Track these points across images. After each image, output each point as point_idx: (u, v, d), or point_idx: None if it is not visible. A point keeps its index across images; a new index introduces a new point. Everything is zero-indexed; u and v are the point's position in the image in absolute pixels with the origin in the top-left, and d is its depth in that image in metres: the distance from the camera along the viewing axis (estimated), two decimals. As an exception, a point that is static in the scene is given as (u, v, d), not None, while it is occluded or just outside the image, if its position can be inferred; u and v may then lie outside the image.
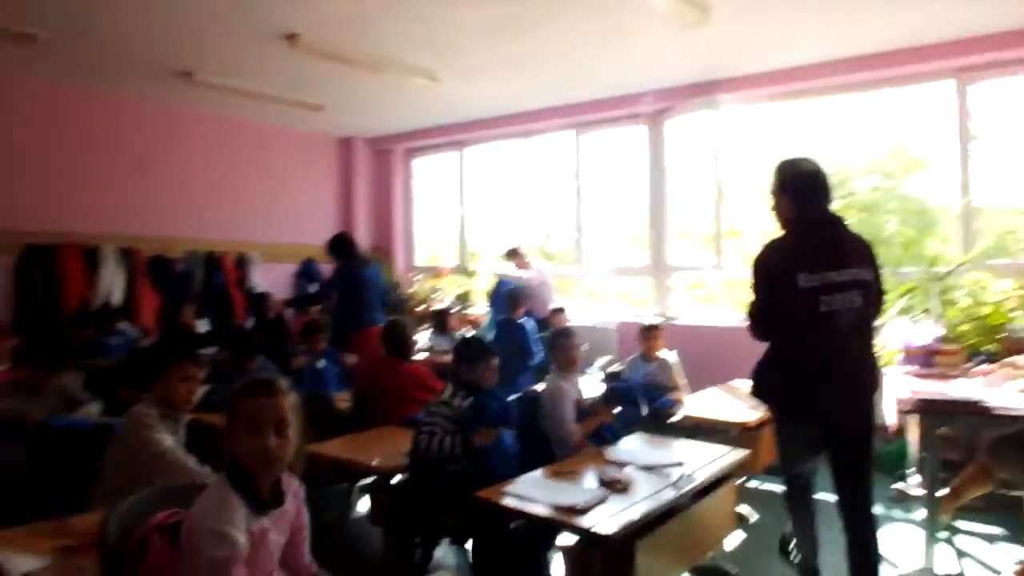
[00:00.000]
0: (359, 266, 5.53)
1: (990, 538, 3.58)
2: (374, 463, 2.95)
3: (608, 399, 3.31)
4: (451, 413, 2.91)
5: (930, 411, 2.93)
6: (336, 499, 3.85)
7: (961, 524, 3.70)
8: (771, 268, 2.60)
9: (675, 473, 2.73)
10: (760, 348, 2.74)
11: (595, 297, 7.58)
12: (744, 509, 3.91)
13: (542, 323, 5.93)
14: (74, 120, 6.08)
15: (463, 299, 7.62)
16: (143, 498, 1.80)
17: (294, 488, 1.76)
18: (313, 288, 7.27)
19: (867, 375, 2.65)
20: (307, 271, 7.66)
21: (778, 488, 4.23)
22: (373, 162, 8.50)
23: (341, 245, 5.62)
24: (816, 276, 2.52)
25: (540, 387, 3.62)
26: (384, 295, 5.61)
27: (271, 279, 7.38)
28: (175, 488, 1.86)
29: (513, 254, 6.65)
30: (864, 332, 2.63)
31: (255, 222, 7.36)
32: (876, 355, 2.71)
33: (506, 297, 5.98)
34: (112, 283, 6.02)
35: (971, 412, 2.88)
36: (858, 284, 2.56)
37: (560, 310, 6.11)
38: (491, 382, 3.06)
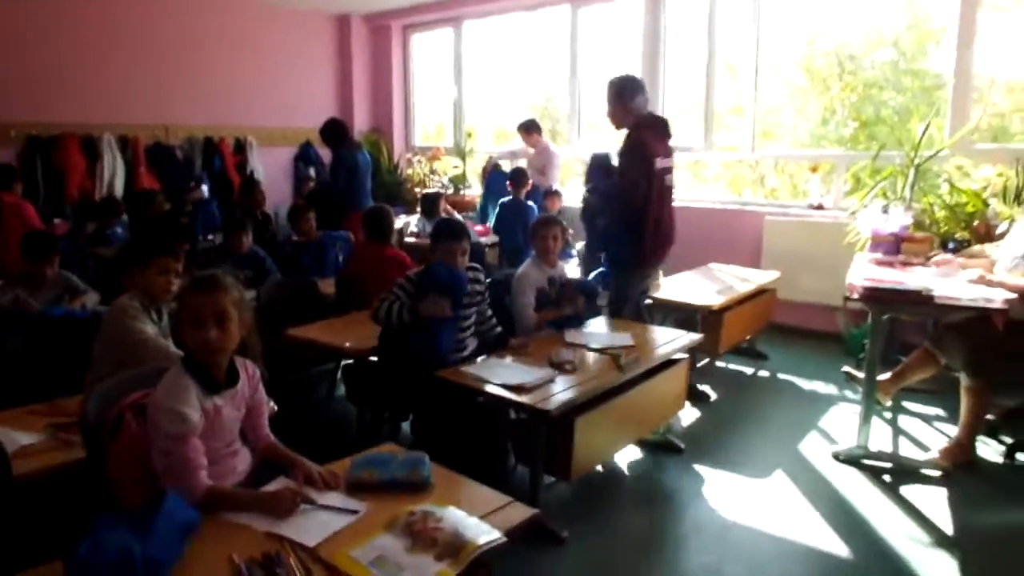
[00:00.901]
0: (355, 152, 5.60)
1: (930, 419, 3.82)
2: (347, 345, 3.18)
3: (568, 291, 3.43)
4: (410, 287, 2.96)
5: (872, 299, 3.06)
6: (321, 380, 4.15)
7: (908, 406, 3.95)
8: (645, 153, 3.62)
9: (623, 355, 2.94)
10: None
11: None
12: (705, 388, 4.17)
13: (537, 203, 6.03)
14: (69, 8, 6.05)
15: (458, 180, 7.67)
16: (119, 381, 2.02)
17: (249, 370, 1.95)
18: (311, 171, 7.39)
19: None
20: (305, 155, 7.73)
21: (742, 369, 4.55)
22: (370, 40, 8.32)
23: (334, 131, 5.67)
24: (663, 160, 3.69)
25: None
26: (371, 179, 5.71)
27: (270, 163, 7.50)
28: (147, 371, 2.05)
29: (529, 128, 6.59)
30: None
31: (252, 106, 7.37)
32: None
33: (511, 176, 6.06)
34: (113, 172, 6.19)
35: (913, 301, 3.00)
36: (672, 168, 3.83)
37: (555, 193, 6.18)
38: (459, 265, 3.02)
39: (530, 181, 6.07)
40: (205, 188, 6.45)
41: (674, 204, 3.93)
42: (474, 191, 7.45)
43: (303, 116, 7.73)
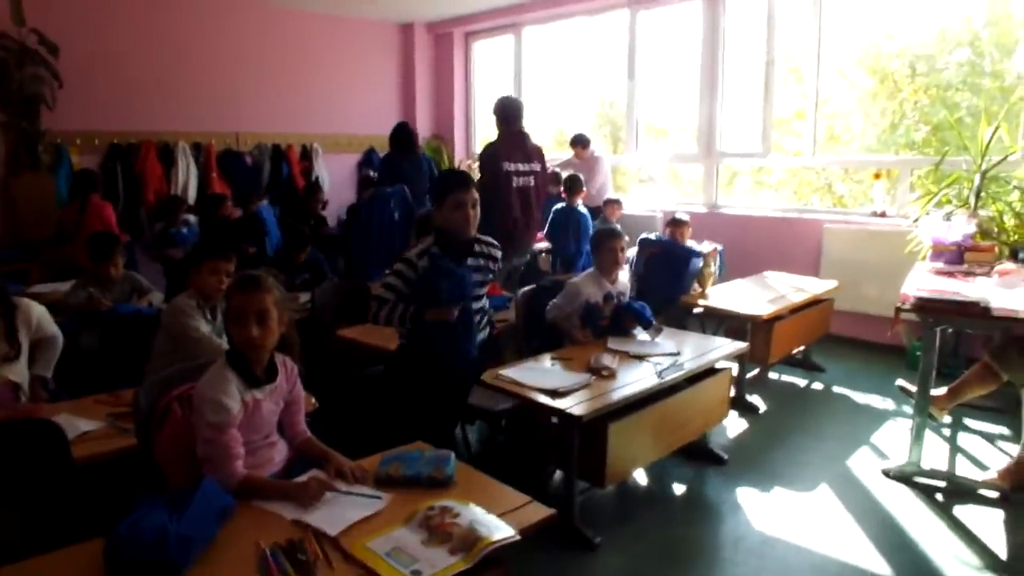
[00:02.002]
0: (397, 159, 5.77)
1: (992, 437, 3.66)
2: (391, 348, 3.26)
3: (623, 317, 3.41)
4: (411, 274, 2.67)
5: (924, 309, 2.97)
6: (370, 379, 4.27)
7: (970, 423, 3.79)
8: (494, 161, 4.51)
9: (664, 362, 2.95)
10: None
11: (649, 184, 7.58)
12: (755, 400, 4.11)
13: (595, 212, 6.05)
14: (149, 25, 6.46)
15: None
16: (169, 374, 2.16)
17: (288, 367, 2.05)
18: (373, 176, 7.60)
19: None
20: (369, 160, 7.96)
21: (796, 381, 4.45)
22: (433, 48, 8.51)
23: (394, 135, 5.85)
24: (512, 164, 4.52)
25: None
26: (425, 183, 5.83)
27: (335, 169, 7.75)
28: (195, 365, 2.18)
29: (574, 143, 6.71)
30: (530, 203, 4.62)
31: (318, 114, 7.63)
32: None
33: (565, 183, 6.11)
34: (187, 177, 6.55)
35: (967, 313, 2.89)
36: (532, 172, 4.60)
37: (615, 202, 6.18)
38: (464, 229, 2.69)
39: (584, 189, 6.08)
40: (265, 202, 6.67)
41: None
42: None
43: (367, 123, 7.97)
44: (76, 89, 5.95)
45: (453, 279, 2.65)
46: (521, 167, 4.65)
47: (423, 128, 8.34)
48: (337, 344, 3.45)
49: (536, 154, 4.73)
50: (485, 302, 2.93)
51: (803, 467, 3.34)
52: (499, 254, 2.91)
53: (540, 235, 6.24)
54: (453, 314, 2.67)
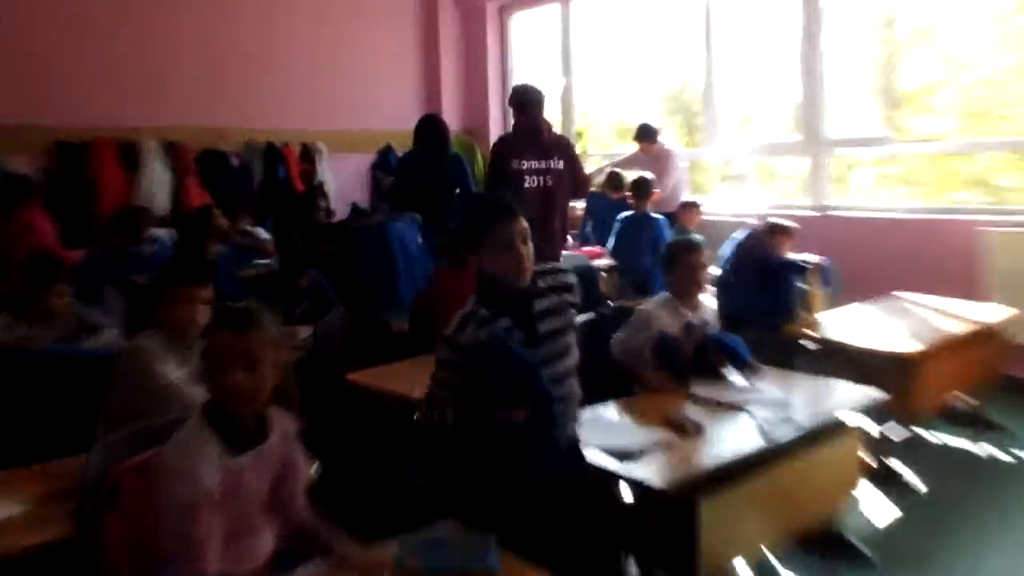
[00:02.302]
0: (414, 159, 5.77)
1: None
2: (415, 395, 3.16)
3: (710, 355, 3.28)
4: (458, 357, 2.32)
5: None
6: (387, 436, 4.19)
7: None
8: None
9: (770, 416, 2.77)
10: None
11: (736, 182, 7.46)
12: (901, 468, 3.85)
13: (668, 219, 5.98)
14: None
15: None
16: (126, 436, 2.08)
17: (283, 425, 1.95)
18: (391, 182, 7.59)
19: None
20: (384, 162, 8.00)
21: (962, 443, 4.19)
22: (461, 25, 8.57)
23: (420, 130, 5.85)
24: (524, 162, 4.80)
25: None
26: (454, 191, 5.78)
27: (345, 172, 7.80)
28: (162, 424, 2.10)
29: (641, 136, 6.72)
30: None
31: (323, 105, 7.69)
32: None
33: (632, 186, 6.05)
34: (155, 184, 6.56)
35: None
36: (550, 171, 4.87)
37: (692, 205, 6.09)
38: (518, 276, 2.36)
39: (656, 191, 5.98)
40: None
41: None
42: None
43: (382, 117, 7.99)
44: (7, 73, 5.95)
45: (510, 364, 2.27)
46: (535, 164, 4.85)
47: (450, 121, 8.25)
48: (346, 391, 3.42)
49: (556, 148, 4.92)
50: (570, 366, 2.51)
51: (985, 569, 3.09)
52: (572, 279, 2.56)
53: (600, 250, 6.17)
54: (518, 416, 2.26)
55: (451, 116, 8.33)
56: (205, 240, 5.26)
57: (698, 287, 3.38)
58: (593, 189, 6.54)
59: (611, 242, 6.00)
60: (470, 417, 2.30)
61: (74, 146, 6.36)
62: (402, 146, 6.77)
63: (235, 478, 1.80)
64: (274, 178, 7.30)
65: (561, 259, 5.35)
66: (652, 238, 5.61)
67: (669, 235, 5.57)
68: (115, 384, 2.68)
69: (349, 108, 7.87)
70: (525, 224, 2.42)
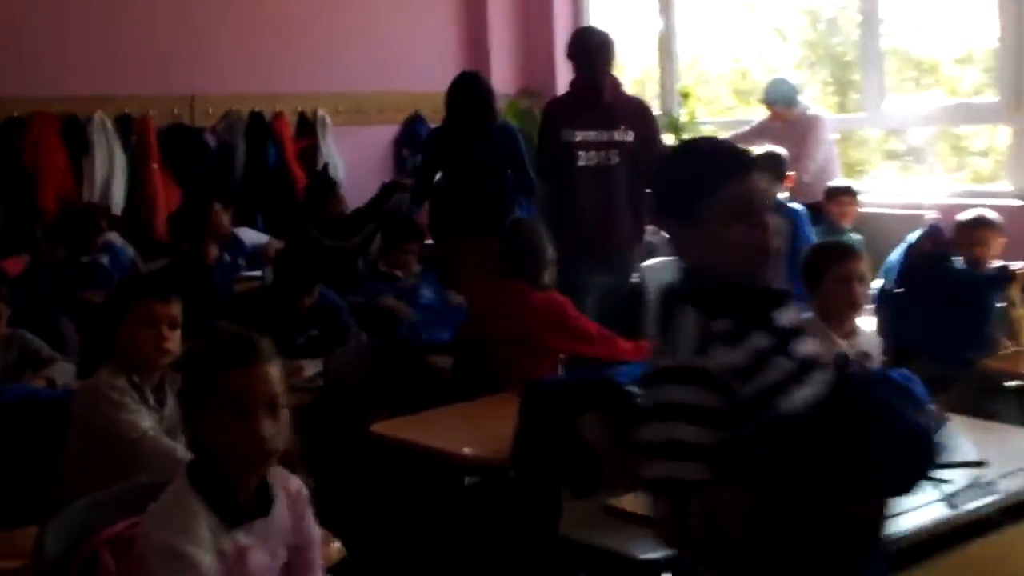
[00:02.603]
0: (446, 133, 5.92)
1: None
2: (466, 451, 3.29)
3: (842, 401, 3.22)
4: (724, 402, 1.93)
5: None
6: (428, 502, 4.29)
7: None
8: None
9: (959, 480, 2.82)
10: None
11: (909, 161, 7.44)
12: None
13: (812, 211, 6.05)
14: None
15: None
16: (92, 503, 2.20)
17: (292, 490, 2.07)
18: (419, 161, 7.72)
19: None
20: (412, 135, 8.13)
21: None
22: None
23: (453, 95, 6.01)
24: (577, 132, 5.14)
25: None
26: (514, 179, 5.93)
27: (357, 150, 7.93)
28: (137, 487, 2.23)
29: (775, 99, 6.76)
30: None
31: (326, 61, 7.82)
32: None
33: (765, 160, 6.07)
34: (109, 171, 6.77)
35: None
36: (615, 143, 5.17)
37: (845, 192, 6.13)
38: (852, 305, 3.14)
39: (790, 172, 6.00)
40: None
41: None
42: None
43: (408, 75, 8.09)
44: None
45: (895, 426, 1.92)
46: (592, 136, 5.14)
47: (502, 79, 8.36)
48: (368, 445, 3.53)
49: (624, 113, 5.20)
50: None
51: None
52: None
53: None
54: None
55: (503, 72, 8.45)
56: (202, 242, 5.46)
57: (853, 306, 3.41)
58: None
59: None
60: (779, 512, 1.87)
61: (2, 124, 6.60)
62: (435, 116, 6.95)
63: (239, 560, 1.91)
64: (262, 160, 7.47)
65: (634, 268, 5.54)
66: (787, 238, 5.60)
67: (812, 234, 5.62)
68: (72, 435, 2.81)
69: (363, 63, 7.98)
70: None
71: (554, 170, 5.25)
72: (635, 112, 5.11)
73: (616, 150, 5.04)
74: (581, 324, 4.13)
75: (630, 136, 5.03)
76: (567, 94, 5.32)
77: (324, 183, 6.62)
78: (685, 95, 7.84)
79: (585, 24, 8.50)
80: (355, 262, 6.06)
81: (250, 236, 6.64)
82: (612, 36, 5.35)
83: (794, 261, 5.42)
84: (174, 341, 2.88)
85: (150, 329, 2.88)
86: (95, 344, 3.76)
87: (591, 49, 5.13)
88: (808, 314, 3.42)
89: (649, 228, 6.63)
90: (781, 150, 6.01)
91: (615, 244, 5.19)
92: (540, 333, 4.04)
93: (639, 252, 5.58)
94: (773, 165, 5.93)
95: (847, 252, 3.47)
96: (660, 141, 5.49)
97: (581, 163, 5.04)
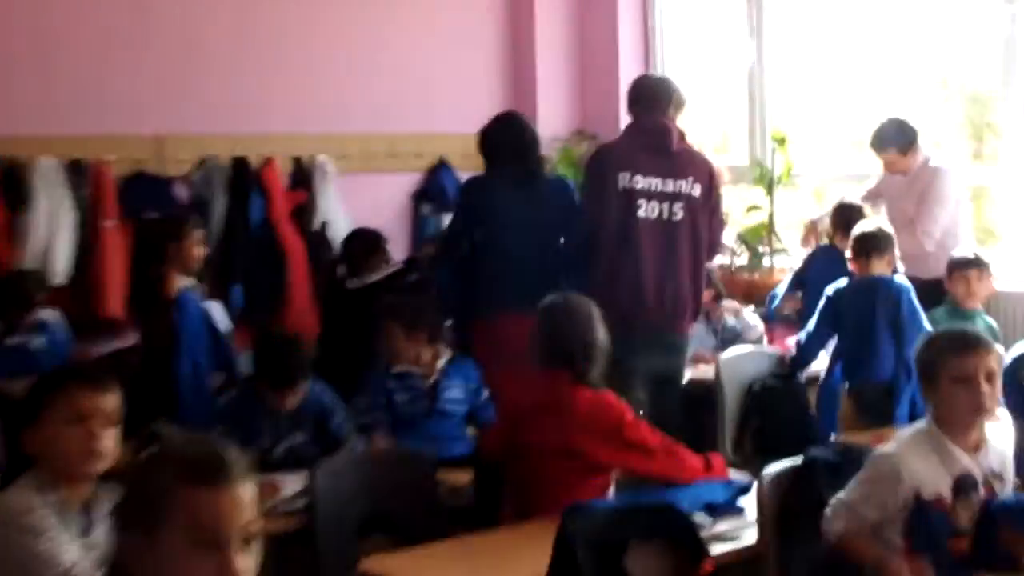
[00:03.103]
0: (496, 187, 5.89)
1: None
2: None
3: (1005, 534, 3.24)
4: None
5: None
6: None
7: None
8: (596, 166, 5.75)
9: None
10: None
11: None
12: None
13: (930, 289, 6.00)
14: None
15: (756, 237, 7.83)
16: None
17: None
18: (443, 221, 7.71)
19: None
20: (435, 188, 8.21)
21: None
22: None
23: (488, 140, 6.07)
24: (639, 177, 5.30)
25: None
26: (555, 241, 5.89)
27: (366, 206, 7.93)
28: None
29: (885, 141, 6.77)
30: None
31: (329, 94, 7.93)
32: None
33: (853, 235, 6.04)
34: (52, 230, 6.78)
35: None
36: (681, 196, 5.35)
37: (975, 265, 6.01)
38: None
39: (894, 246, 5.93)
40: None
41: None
42: (791, 260, 7.50)
43: (432, 113, 8.22)
44: None
45: None
46: (655, 184, 5.32)
47: (551, 119, 8.47)
48: None
49: (692, 164, 5.38)
50: None
51: None
52: None
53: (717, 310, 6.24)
54: None
55: (552, 110, 8.58)
56: (165, 268, 5.55)
57: (979, 412, 3.32)
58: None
59: (810, 327, 5.99)
60: None
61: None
62: (466, 166, 6.98)
63: None
64: (245, 217, 7.50)
65: (689, 344, 5.68)
66: (890, 322, 5.58)
67: (925, 320, 5.57)
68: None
69: (373, 98, 8.09)
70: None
71: (604, 222, 5.28)
72: (703, 166, 5.23)
73: (681, 203, 5.14)
74: (639, 433, 4.00)
75: (697, 191, 5.15)
76: (624, 136, 5.44)
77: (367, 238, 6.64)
78: (780, 140, 7.83)
79: (655, 52, 8.68)
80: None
81: (218, 314, 6.56)
82: (680, 85, 5.53)
83: (903, 351, 5.44)
84: (109, 442, 2.84)
85: (76, 428, 2.83)
86: (15, 447, 3.73)
87: (654, 89, 5.33)
88: (922, 422, 3.44)
89: (728, 305, 6.69)
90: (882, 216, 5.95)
91: (675, 319, 5.26)
92: (586, 443, 3.93)
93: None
94: (872, 233, 5.84)
95: (968, 342, 3.38)
96: (720, 203, 5.64)
97: (642, 214, 5.15)
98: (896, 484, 3.24)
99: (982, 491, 3.29)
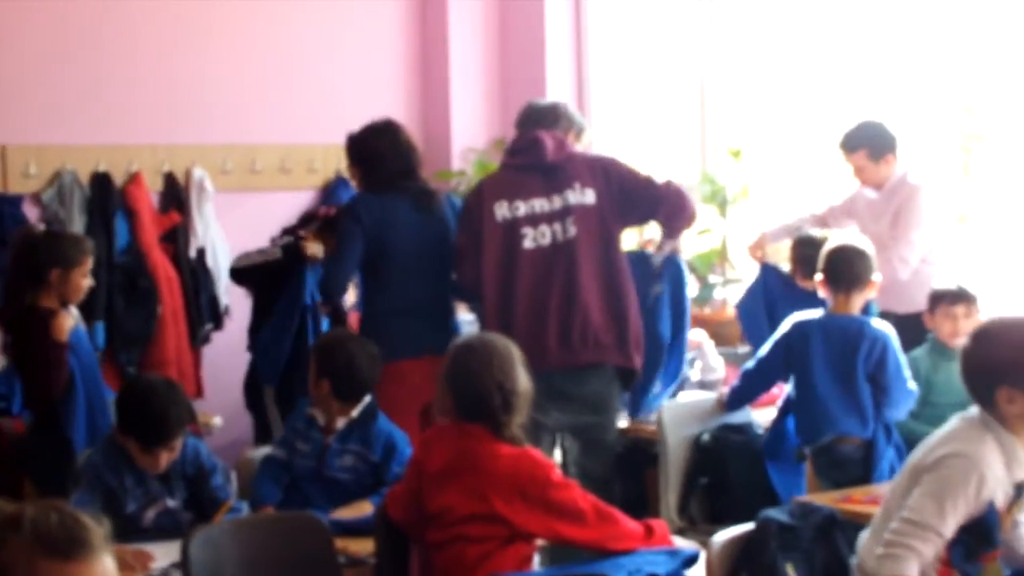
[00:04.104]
0: (388, 207, 5.93)
1: None
2: None
3: None
4: None
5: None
6: None
7: None
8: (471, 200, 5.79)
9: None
10: None
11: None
12: None
13: (906, 325, 6.12)
14: None
15: (705, 266, 7.88)
16: None
17: None
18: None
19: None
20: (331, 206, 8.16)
21: None
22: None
23: (358, 152, 6.25)
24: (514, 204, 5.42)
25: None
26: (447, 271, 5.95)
27: (250, 228, 7.86)
28: None
29: (860, 142, 6.83)
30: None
31: (207, 99, 7.96)
32: None
33: (819, 259, 6.08)
34: None
35: None
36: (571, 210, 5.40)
37: (956, 298, 6.07)
38: None
39: (872, 277, 6.00)
40: None
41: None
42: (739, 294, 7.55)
43: (330, 121, 8.11)
44: None
45: None
46: (540, 205, 5.45)
47: (467, 129, 8.58)
48: None
49: (576, 169, 5.47)
50: None
51: None
52: None
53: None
54: None
55: (467, 114, 8.69)
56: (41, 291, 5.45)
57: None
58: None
59: (760, 362, 5.96)
60: None
61: None
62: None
63: None
64: (106, 240, 7.45)
65: (648, 403, 5.80)
66: (869, 376, 5.57)
67: (909, 377, 5.63)
68: None
69: (261, 104, 8.15)
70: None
71: (483, 272, 5.38)
72: (593, 165, 5.29)
73: (573, 216, 5.22)
74: (569, 495, 4.00)
75: (591, 196, 5.20)
76: (500, 165, 5.57)
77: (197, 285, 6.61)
78: (735, 154, 7.93)
79: (586, 55, 8.74)
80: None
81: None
82: (567, 106, 5.77)
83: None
84: None
85: None
86: None
87: (541, 112, 5.58)
88: (975, 421, 3.48)
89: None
90: (857, 240, 5.98)
91: (596, 349, 5.27)
92: (507, 508, 3.95)
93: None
94: (840, 260, 5.80)
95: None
96: (637, 177, 5.58)
97: (528, 244, 5.20)
98: (980, 492, 3.30)
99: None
